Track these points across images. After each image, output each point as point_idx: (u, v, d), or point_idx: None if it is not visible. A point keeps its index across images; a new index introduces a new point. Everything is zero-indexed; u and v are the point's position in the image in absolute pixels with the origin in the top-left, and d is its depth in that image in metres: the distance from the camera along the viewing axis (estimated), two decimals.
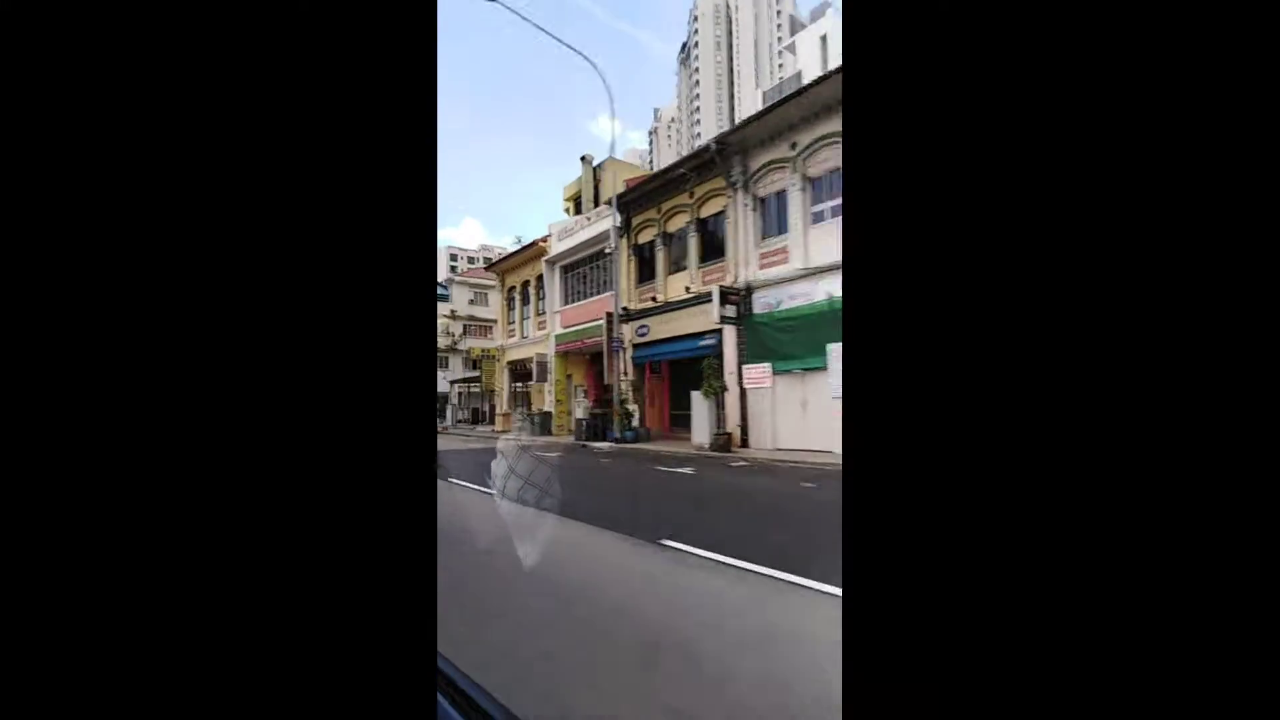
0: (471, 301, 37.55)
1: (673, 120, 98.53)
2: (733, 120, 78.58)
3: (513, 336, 21.53)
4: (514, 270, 21.67)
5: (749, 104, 78.32)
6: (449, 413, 26.82)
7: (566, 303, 18.57)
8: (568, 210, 24.46)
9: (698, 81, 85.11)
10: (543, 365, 18.39)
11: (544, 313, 19.64)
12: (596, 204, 20.24)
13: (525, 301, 21.03)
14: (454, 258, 67.76)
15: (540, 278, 19.94)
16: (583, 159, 22.60)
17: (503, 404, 21.61)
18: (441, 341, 35.72)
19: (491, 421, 28.61)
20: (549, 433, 17.65)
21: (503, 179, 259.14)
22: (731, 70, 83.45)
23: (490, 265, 23.31)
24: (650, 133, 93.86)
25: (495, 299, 38.33)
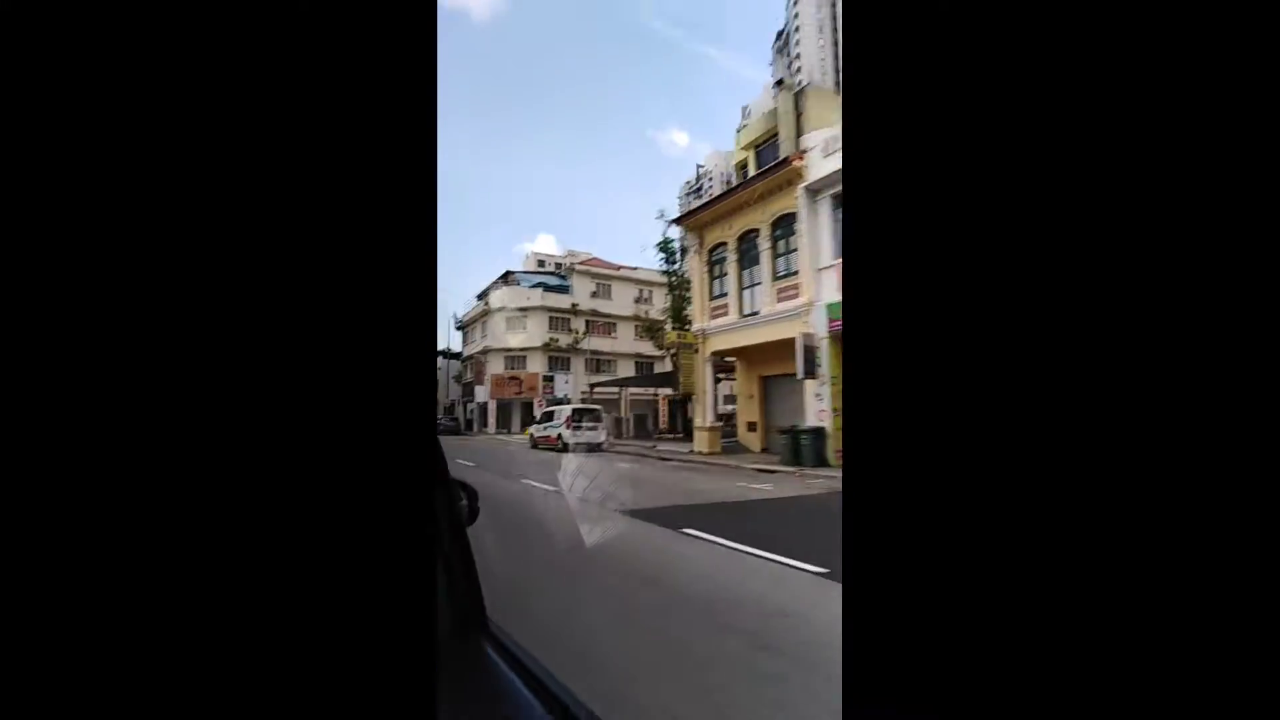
0: (594, 294, 31.45)
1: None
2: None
3: (720, 316, 14.72)
4: (725, 218, 14.78)
5: None
6: (571, 433, 18.29)
7: None
8: (743, 164, 17.87)
9: (799, 69, 78.09)
10: (810, 351, 11.46)
11: (789, 273, 12.80)
12: (799, 140, 13.61)
13: (748, 263, 14.19)
14: (541, 262, 63.79)
15: (781, 220, 13.13)
16: (779, 84, 16.13)
17: (705, 414, 14.77)
18: (562, 340, 29.74)
19: (658, 437, 21.19)
20: (825, 463, 10.66)
21: (574, 197, 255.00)
22: (837, 54, 76.04)
23: (680, 218, 16.73)
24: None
25: (620, 291, 32.74)
